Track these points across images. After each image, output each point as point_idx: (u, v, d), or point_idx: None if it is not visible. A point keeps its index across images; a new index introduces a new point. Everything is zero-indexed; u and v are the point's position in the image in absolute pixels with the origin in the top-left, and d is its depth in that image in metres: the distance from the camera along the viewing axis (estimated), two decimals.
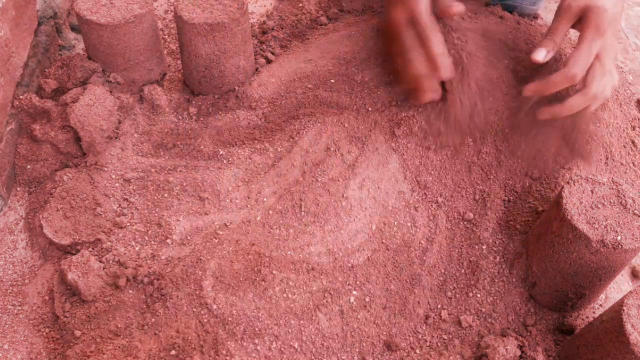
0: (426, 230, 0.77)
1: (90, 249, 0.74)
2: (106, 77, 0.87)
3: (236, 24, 0.83)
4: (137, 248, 0.75)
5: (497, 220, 0.78)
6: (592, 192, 0.67)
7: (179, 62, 0.96)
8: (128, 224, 0.77)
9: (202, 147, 0.85)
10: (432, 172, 0.80)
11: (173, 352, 0.65)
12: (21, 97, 0.81)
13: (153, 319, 0.68)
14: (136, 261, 0.73)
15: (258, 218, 0.76)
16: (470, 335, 0.71)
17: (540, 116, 0.77)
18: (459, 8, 0.77)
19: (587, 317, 0.73)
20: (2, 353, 0.68)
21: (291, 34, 1.03)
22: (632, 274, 0.79)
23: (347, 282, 0.72)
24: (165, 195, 0.79)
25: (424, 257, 0.75)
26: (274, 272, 0.71)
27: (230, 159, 0.83)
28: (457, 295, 0.73)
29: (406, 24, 0.76)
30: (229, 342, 0.65)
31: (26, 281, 0.74)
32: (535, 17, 0.99)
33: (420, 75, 0.76)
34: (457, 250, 0.76)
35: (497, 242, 0.76)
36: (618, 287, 0.78)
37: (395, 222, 0.77)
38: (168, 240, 0.75)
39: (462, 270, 0.75)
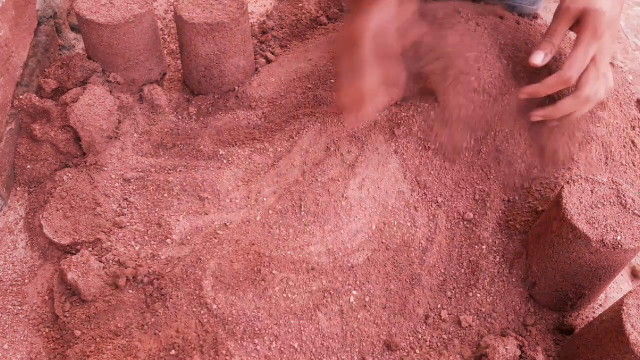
0: (426, 230, 0.77)
1: (90, 249, 0.74)
2: (106, 77, 0.87)
3: (236, 24, 0.83)
4: (137, 248, 0.75)
5: (497, 220, 0.78)
6: (592, 192, 0.67)
7: (179, 62, 0.96)
8: (128, 224, 0.77)
9: (202, 147, 0.85)
10: (432, 172, 0.80)
11: (173, 352, 0.65)
12: (21, 97, 0.81)
13: (153, 319, 0.68)
14: (136, 261, 0.73)
15: (258, 218, 0.76)
16: (470, 335, 0.71)
17: (532, 118, 0.77)
18: None
19: (587, 317, 0.73)
20: (2, 353, 0.68)
21: (291, 34, 1.03)
22: (632, 274, 0.79)
23: (347, 282, 0.72)
24: (165, 195, 0.79)
25: (424, 257, 0.75)
26: (274, 272, 0.71)
27: (230, 159, 0.83)
28: (457, 295, 0.73)
29: (349, 46, 0.73)
30: (229, 342, 0.65)
31: (26, 281, 0.74)
32: (535, 17, 0.99)
33: (344, 107, 0.76)
34: (457, 250, 0.76)
35: (497, 242, 0.76)
36: (618, 287, 0.78)
37: (395, 222, 0.77)
38: (168, 240, 0.75)
39: (462, 270, 0.75)
